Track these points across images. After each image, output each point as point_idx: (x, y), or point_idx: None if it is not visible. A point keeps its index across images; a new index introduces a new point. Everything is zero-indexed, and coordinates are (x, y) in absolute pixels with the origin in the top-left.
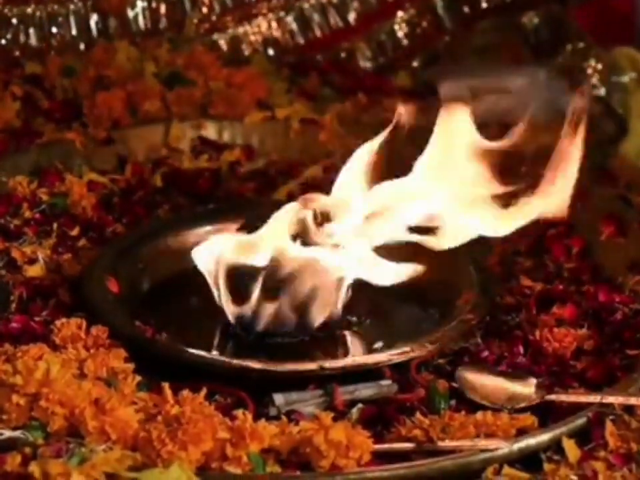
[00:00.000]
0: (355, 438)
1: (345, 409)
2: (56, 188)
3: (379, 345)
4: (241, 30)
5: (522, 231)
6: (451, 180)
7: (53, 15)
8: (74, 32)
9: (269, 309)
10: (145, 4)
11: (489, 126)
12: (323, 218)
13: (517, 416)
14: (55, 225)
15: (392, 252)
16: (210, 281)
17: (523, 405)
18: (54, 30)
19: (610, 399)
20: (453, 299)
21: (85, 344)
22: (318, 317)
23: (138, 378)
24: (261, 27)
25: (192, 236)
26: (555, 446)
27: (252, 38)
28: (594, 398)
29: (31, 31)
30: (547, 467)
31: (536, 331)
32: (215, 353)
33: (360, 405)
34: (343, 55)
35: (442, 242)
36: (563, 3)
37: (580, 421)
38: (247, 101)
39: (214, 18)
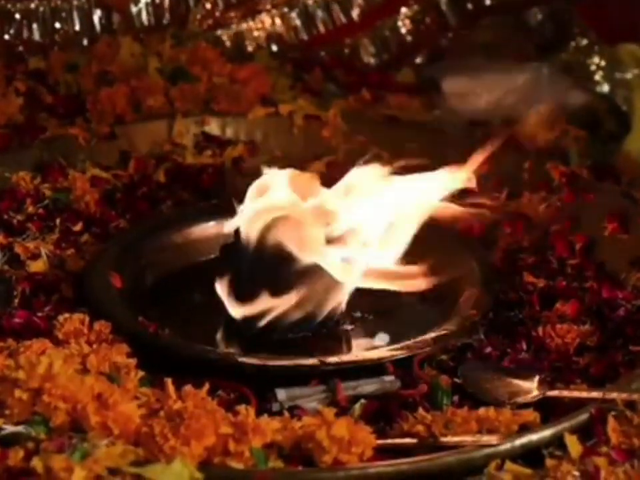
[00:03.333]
0: (357, 433)
1: (348, 404)
2: (59, 183)
3: (382, 340)
4: (244, 26)
5: None
6: None
7: (57, 11)
8: (77, 27)
9: (273, 304)
10: None
11: (491, 123)
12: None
13: (519, 412)
14: (58, 221)
15: None
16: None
17: (525, 400)
18: (57, 25)
19: (612, 395)
20: (456, 295)
21: (87, 339)
22: (321, 312)
23: (140, 373)
24: (265, 22)
25: (195, 231)
26: (557, 442)
27: (255, 34)
28: (596, 394)
29: (35, 26)
30: (549, 462)
31: (539, 327)
32: (217, 348)
33: (362, 401)
34: (346, 51)
35: None
36: None
37: (582, 417)
38: (250, 96)
39: (217, 14)
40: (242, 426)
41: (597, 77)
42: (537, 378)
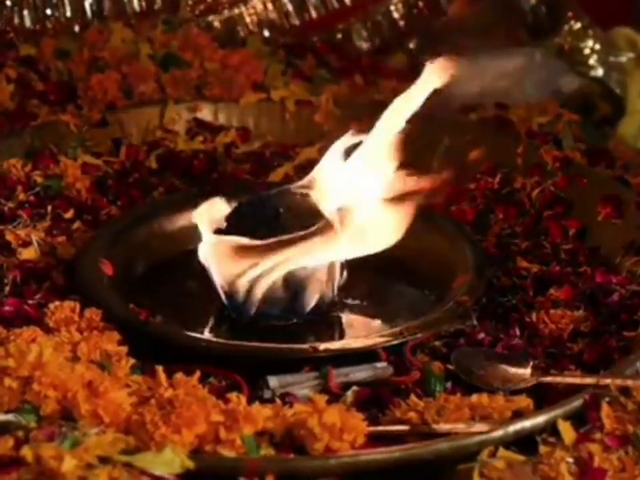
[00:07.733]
0: (349, 421)
1: (340, 391)
2: (50, 170)
3: (374, 326)
4: (236, 11)
5: None
6: None
7: None
8: (68, 14)
9: (264, 290)
10: None
11: (485, 106)
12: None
13: (513, 398)
14: (49, 208)
15: None
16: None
17: (518, 387)
18: (48, 12)
19: (606, 381)
20: (449, 281)
21: (78, 327)
22: (313, 298)
23: (132, 361)
24: (257, 8)
25: (187, 218)
26: (551, 428)
27: (247, 19)
28: (590, 380)
29: (25, 12)
30: (542, 449)
31: (532, 313)
32: (209, 336)
33: (355, 388)
34: (338, 36)
35: None
36: None
37: (576, 403)
38: (242, 82)
39: None
40: (233, 413)
41: (591, 61)
42: (530, 364)
